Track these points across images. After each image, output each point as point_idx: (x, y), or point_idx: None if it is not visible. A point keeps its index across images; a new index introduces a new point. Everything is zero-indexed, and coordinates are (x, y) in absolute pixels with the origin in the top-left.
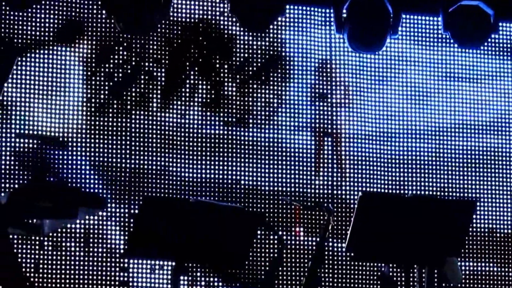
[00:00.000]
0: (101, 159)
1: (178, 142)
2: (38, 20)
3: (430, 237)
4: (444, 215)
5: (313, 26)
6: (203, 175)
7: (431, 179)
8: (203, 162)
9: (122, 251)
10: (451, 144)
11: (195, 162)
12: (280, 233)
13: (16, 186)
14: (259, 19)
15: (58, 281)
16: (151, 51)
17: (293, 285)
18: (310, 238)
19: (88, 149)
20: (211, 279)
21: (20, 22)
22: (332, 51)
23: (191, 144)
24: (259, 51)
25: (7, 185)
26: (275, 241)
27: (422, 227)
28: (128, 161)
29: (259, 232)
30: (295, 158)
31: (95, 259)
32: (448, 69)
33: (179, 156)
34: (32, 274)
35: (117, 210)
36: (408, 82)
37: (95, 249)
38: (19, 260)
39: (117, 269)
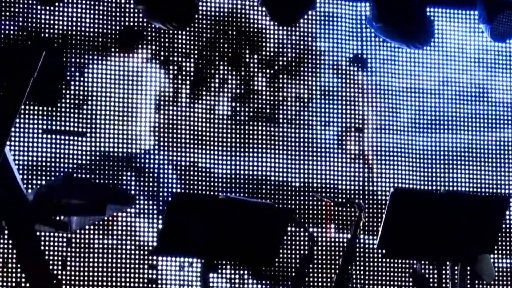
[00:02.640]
0: (131, 154)
1: (208, 137)
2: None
3: (462, 234)
4: (477, 211)
5: (344, 19)
6: (233, 171)
7: (464, 174)
8: (233, 157)
9: (151, 248)
10: (484, 138)
11: (224, 157)
12: (310, 229)
13: (44, 182)
14: (290, 13)
15: (85, 278)
16: (180, 44)
17: (324, 282)
18: (341, 235)
19: (117, 145)
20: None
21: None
22: (363, 44)
23: (220, 139)
24: (289, 45)
25: (35, 182)
26: (306, 238)
27: (454, 223)
28: (157, 156)
29: (289, 228)
30: (325, 154)
31: (124, 256)
32: (481, 60)
33: (208, 151)
34: (59, 272)
35: (146, 206)
36: (440, 74)
37: (124, 246)
38: (46, 257)
39: (146, 266)
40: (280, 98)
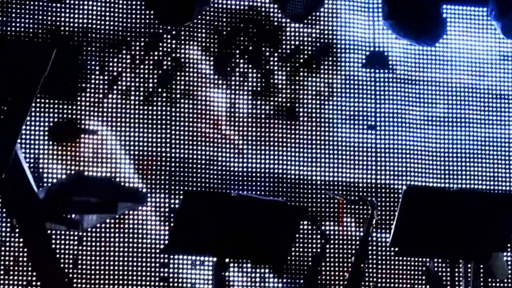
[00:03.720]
0: (145, 150)
1: (226, 133)
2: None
3: (476, 232)
4: (491, 209)
5: (363, 14)
6: (249, 167)
7: (478, 171)
8: (250, 153)
9: (163, 246)
10: (498, 135)
11: (243, 153)
12: (323, 227)
13: (55, 180)
14: (299, 9)
15: (97, 276)
16: (199, 39)
17: (337, 280)
18: (354, 233)
19: (134, 140)
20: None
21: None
22: (379, 40)
23: (238, 134)
24: (309, 39)
25: (45, 180)
26: (318, 236)
27: (468, 221)
28: (174, 152)
29: (302, 226)
30: (342, 151)
31: (135, 254)
32: (494, 58)
33: (226, 146)
34: (70, 270)
35: (158, 204)
36: (453, 71)
37: (136, 245)
38: (58, 255)
39: (158, 264)
40: (300, 93)
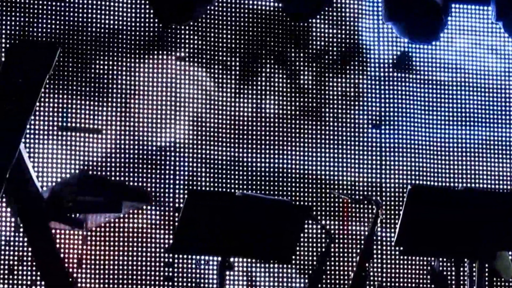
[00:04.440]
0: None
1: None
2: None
3: (481, 231)
4: (496, 208)
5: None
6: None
7: (482, 169)
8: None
9: (167, 246)
10: (504, 134)
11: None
12: (328, 226)
13: (59, 180)
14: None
15: (101, 276)
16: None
17: (341, 279)
18: (358, 232)
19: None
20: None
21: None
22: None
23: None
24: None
25: (50, 179)
26: (323, 235)
27: (472, 220)
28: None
29: (306, 225)
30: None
31: (139, 254)
32: (498, 58)
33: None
34: (74, 269)
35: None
36: (458, 72)
37: (140, 244)
38: (62, 254)
39: (162, 264)
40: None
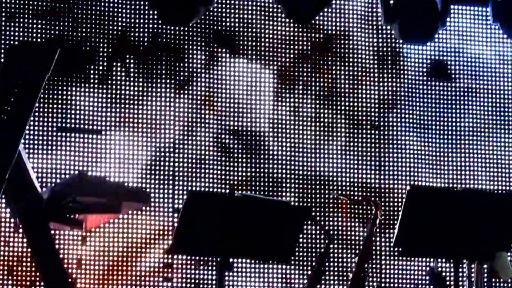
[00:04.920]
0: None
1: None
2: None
3: (479, 232)
4: (494, 208)
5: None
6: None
7: (480, 171)
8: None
9: (166, 246)
10: (502, 136)
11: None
12: (327, 227)
13: (59, 180)
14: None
15: (100, 276)
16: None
17: (341, 280)
18: (358, 233)
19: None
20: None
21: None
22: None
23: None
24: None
25: (50, 180)
26: (323, 236)
27: (471, 221)
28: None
29: (306, 226)
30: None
31: (139, 254)
32: (497, 60)
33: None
34: (74, 270)
35: (161, 204)
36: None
37: (139, 245)
38: (61, 255)
39: (161, 265)
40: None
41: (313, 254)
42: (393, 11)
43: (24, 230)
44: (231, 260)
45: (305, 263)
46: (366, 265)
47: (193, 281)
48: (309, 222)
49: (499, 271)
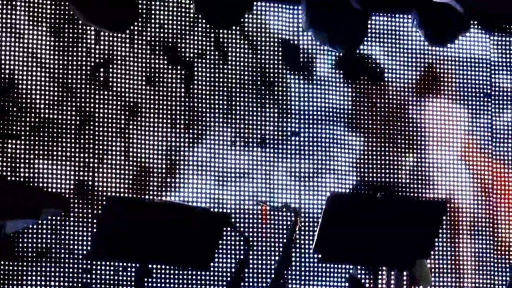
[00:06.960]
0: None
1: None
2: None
3: (399, 239)
4: (414, 215)
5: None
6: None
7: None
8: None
9: (85, 252)
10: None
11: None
12: (246, 234)
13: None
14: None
15: (15, 283)
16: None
17: (259, 287)
18: (277, 239)
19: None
20: None
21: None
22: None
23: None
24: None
25: None
26: (242, 242)
27: (391, 228)
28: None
29: (225, 233)
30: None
31: (57, 260)
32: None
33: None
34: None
35: (82, 210)
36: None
37: (57, 250)
38: None
39: (80, 270)
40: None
41: (232, 261)
42: (319, 18)
43: None
44: (150, 266)
45: (224, 270)
46: (285, 272)
47: (112, 287)
48: (229, 229)
49: (420, 279)
